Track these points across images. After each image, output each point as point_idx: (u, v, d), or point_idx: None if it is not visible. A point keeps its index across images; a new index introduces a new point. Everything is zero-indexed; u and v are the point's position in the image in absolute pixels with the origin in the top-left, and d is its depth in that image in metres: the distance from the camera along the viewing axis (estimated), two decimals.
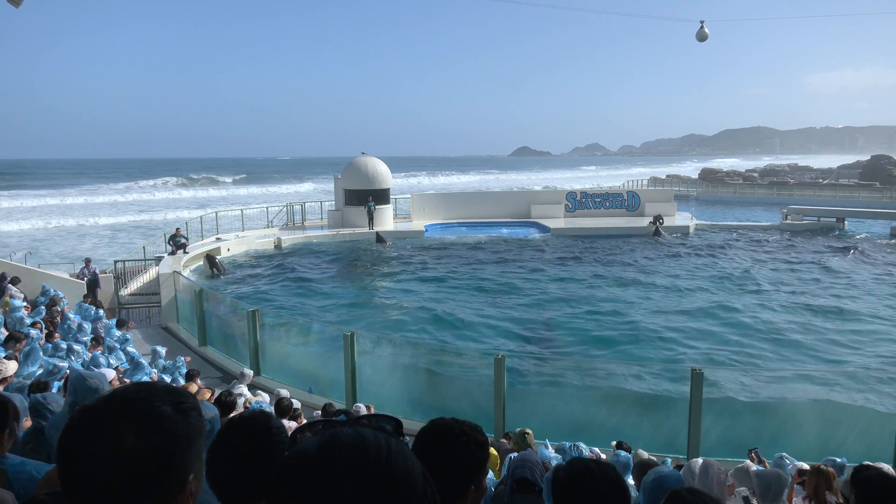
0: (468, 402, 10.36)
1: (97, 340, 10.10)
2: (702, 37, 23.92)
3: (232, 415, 5.74)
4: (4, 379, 5.65)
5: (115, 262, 19.17)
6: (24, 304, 12.10)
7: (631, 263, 24.02)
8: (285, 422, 6.28)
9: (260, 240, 27.35)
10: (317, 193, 65.76)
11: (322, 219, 32.95)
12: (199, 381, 8.96)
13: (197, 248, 23.36)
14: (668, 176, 78.43)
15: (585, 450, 6.52)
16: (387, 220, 31.41)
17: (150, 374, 9.11)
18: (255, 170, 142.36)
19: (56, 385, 6.02)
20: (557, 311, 17.49)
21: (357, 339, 10.94)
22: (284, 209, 31.93)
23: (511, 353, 11.08)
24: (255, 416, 1.74)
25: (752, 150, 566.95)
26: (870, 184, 57.41)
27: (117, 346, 10.51)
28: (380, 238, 28.57)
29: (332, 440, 0.81)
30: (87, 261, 18.39)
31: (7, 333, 8.43)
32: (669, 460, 7.24)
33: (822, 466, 5.05)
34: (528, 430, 7.00)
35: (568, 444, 6.65)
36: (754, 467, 5.10)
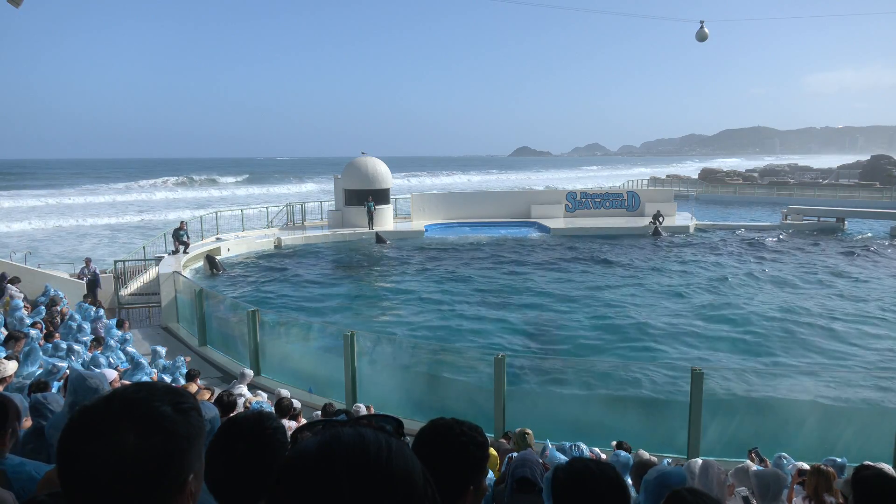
0: (468, 402, 10.36)
1: (97, 340, 10.10)
2: (702, 37, 23.92)
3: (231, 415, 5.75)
4: (4, 379, 5.65)
5: (115, 262, 19.17)
6: (25, 304, 12.09)
7: (631, 264, 24.01)
8: (285, 422, 6.28)
9: (260, 240, 27.35)
10: (317, 193, 65.77)
11: (322, 219, 32.95)
12: (199, 382, 8.96)
13: (197, 248, 23.36)
14: (668, 176, 78.42)
15: (586, 450, 6.52)
16: (387, 220, 31.41)
17: (150, 374, 9.10)
18: (255, 170, 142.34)
19: (56, 385, 6.02)
20: (557, 311, 17.49)
21: (357, 339, 10.94)
22: (284, 209, 31.93)
23: (511, 353, 11.06)
24: (249, 417, 1.73)
25: (752, 150, 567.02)
26: (870, 184, 57.41)
27: (116, 346, 10.51)
28: (379, 238, 28.57)
29: (333, 440, 0.81)
30: (88, 261, 18.39)
31: (7, 333, 8.42)
32: (669, 460, 7.24)
33: (822, 466, 5.05)
34: (528, 430, 7.00)
35: (568, 443, 6.65)
36: (754, 467, 5.10)
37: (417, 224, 32.16)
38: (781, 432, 9.27)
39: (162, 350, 10.71)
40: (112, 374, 6.73)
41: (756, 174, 77.07)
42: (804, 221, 34.59)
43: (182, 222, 22.80)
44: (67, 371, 6.32)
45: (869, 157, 72.18)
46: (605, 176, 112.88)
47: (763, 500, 4.30)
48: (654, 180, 69.26)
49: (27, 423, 3.69)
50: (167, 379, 9.39)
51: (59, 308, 12.53)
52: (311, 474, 0.78)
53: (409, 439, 1.28)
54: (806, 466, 5.72)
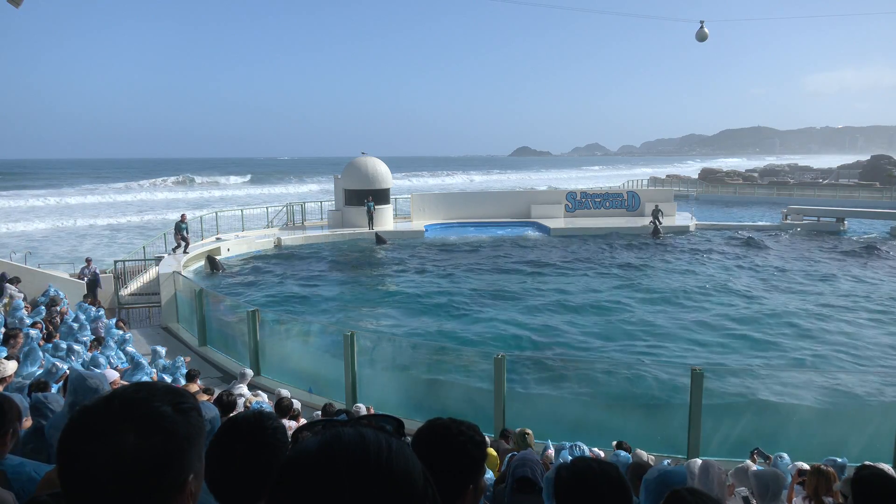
0: (468, 402, 10.36)
1: (97, 340, 10.10)
2: (702, 37, 23.94)
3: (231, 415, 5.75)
4: (4, 379, 5.65)
5: (115, 262, 19.17)
6: (25, 304, 12.09)
7: (631, 264, 24.01)
8: (285, 422, 6.28)
9: (260, 240, 27.36)
10: (316, 193, 65.78)
11: (322, 219, 32.95)
12: (199, 382, 8.96)
13: (197, 248, 23.37)
14: (668, 176, 78.43)
15: (586, 449, 6.52)
16: (387, 220, 31.41)
17: (150, 375, 9.10)
18: (255, 170, 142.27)
19: (56, 385, 6.02)
20: (557, 311, 17.48)
21: (357, 339, 10.94)
22: (284, 209, 31.94)
23: (511, 353, 11.06)
24: (249, 417, 1.74)
25: (752, 150, 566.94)
26: (870, 184, 57.43)
27: (115, 346, 10.52)
28: (379, 238, 28.57)
29: (333, 440, 0.81)
30: (89, 260, 18.39)
31: (4, 332, 8.42)
32: (669, 461, 7.24)
33: (822, 466, 5.06)
34: (528, 431, 7.00)
35: (568, 443, 6.66)
36: (754, 467, 5.10)
37: (417, 224, 32.16)
38: (781, 432, 9.27)
39: (162, 350, 10.71)
40: (113, 375, 6.74)
41: (756, 174, 77.07)
42: (804, 221, 34.59)
43: (183, 215, 22.85)
44: (67, 371, 6.33)
45: (869, 157, 72.20)
46: (607, 176, 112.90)
47: (762, 500, 4.30)
48: (654, 180, 69.27)
49: (27, 422, 3.69)
50: (167, 379, 9.39)
51: (58, 308, 12.53)
52: (312, 474, 0.78)
53: (408, 439, 1.28)
54: (806, 466, 5.72)
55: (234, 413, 5.84)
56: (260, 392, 9.95)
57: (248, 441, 1.64)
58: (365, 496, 0.76)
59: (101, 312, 12.85)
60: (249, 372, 10.31)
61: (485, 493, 1.72)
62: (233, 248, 25.51)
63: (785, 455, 6.43)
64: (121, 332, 11.47)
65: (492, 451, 6.49)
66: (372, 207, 29.68)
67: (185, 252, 21.82)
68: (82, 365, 8.00)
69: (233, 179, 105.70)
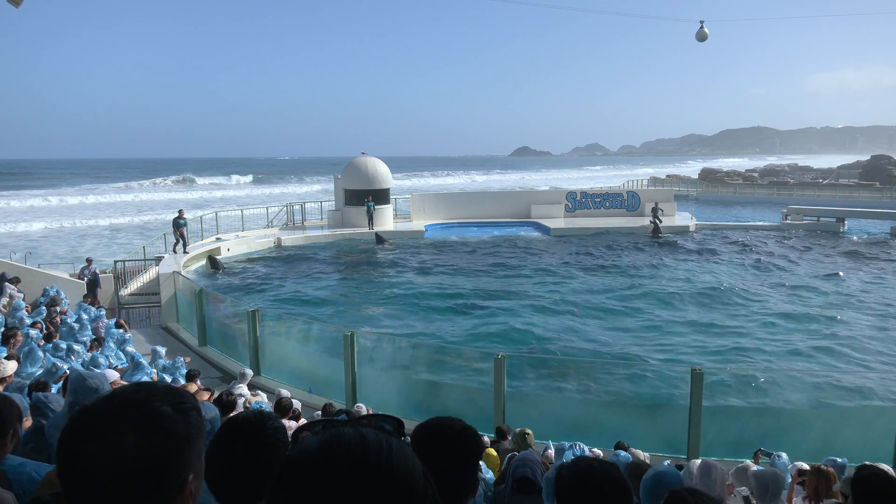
0: (468, 402, 10.36)
1: (97, 340, 10.10)
2: (702, 37, 23.94)
3: (231, 415, 5.75)
4: (4, 379, 5.65)
5: (115, 262, 19.17)
6: (25, 304, 12.10)
7: (631, 264, 24.01)
8: (285, 422, 6.28)
9: (260, 240, 27.36)
10: (317, 193, 65.76)
11: (322, 219, 32.96)
12: (199, 382, 8.96)
13: (197, 248, 23.37)
14: (668, 176, 78.44)
15: (585, 450, 6.52)
16: (387, 220, 31.41)
17: (150, 375, 9.10)
18: (256, 170, 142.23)
19: (55, 385, 6.02)
20: (557, 311, 17.48)
21: (357, 339, 10.94)
22: (284, 209, 31.94)
23: (511, 353, 11.06)
24: (250, 417, 1.74)
25: (752, 150, 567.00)
26: (870, 184, 57.43)
27: (115, 346, 10.52)
28: (379, 238, 28.56)
29: (333, 440, 0.81)
30: (89, 261, 18.39)
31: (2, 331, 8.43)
32: (668, 461, 7.24)
33: (822, 466, 5.06)
34: (528, 431, 7.00)
35: (568, 443, 6.65)
36: (754, 467, 5.10)
37: (417, 224, 32.16)
38: (781, 432, 9.27)
39: (162, 350, 10.71)
40: (113, 375, 6.74)
41: (756, 174, 77.08)
42: (804, 221, 34.59)
43: (180, 210, 22.85)
44: (67, 371, 6.32)
45: (869, 157, 72.19)
46: (608, 176, 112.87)
47: (762, 500, 4.30)
48: (654, 180, 69.28)
49: (27, 422, 3.69)
50: (167, 379, 9.39)
51: (58, 308, 12.53)
52: (312, 474, 0.78)
53: (407, 439, 1.28)
54: (806, 466, 5.72)
55: (235, 413, 5.85)
56: (259, 392, 9.95)
57: (249, 441, 1.64)
58: (365, 496, 0.76)
59: (102, 312, 12.85)
60: (249, 372, 10.31)
61: (477, 491, 1.73)
62: (233, 248, 25.52)
63: (784, 454, 6.42)
64: (121, 332, 11.47)
65: (492, 451, 6.49)
66: (372, 207, 29.69)
67: (184, 252, 21.83)
68: (82, 365, 8.00)
69: (235, 179, 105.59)
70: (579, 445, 6.52)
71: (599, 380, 11.23)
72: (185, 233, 22.29)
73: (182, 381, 9.14)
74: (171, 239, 22.32)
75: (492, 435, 7.85)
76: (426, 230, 31.05)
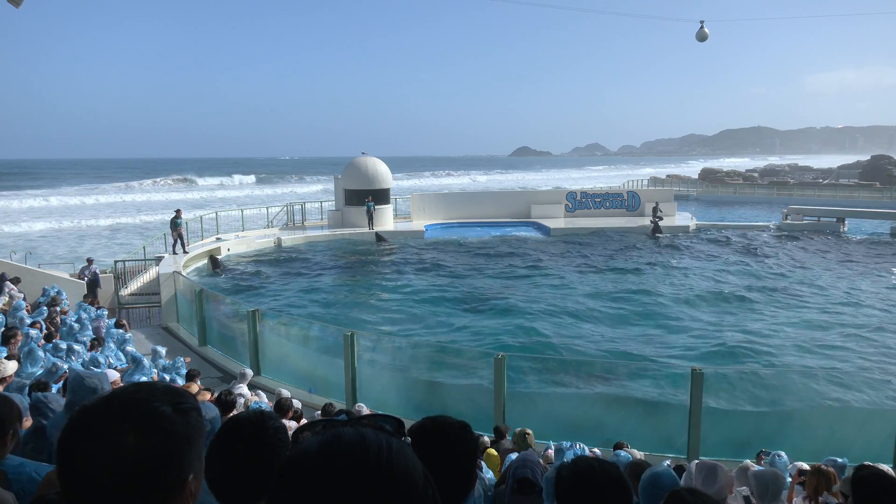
0: (468, 402, 10.36)
1: (97, 340, 10.10)
2: (702, 37, 23.95)
3: (231, 415, 5.75)
4: (4, 379, 5.65)
5: (116, 262, 19.17)
6: (25, 304, 12.10)
7: (630, 264, 24.01)
8: (286, 422, 6.28)
9: (260, 240, 27.37)
10: (318, 193, 65.75)
11: (322, 219, 32.96)
12: (199, 382, 8.96)
13: (197, 247, 23.37)
14: (668, 176, 78.45)
15: (586, 450, 6.52)
16: (387, 220, 31.41)
17: (150, 375, 9.10)
18: (256, 170, 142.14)
19: (55, 385, 6.02)
20: (557, 311, 17.48)
21: (357, 339, 10.94)
22: (284, 209, 31.94)
23: (511, 353, 11.06)
24: (251, 417, 1.74)
25: (752, 150, 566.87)
26: (870, 184, 57.43)
27: (115, 346, 10.51)
28: (379, 237, 28.56)
29: (334, 440, 0.81)
30: (90, 260, 18.40)
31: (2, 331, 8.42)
32: (668, 461, 7.24)
33: (822, 466, 5.06)
34: (529, 431, 7.00)
35: (567, 443, 6.65)
36: (754, 467, 5.10)
37: (417, 224, 32.16)
38: (781, 432, 9.27)
39: (162, 350, 10.70)
40: (114, 375, 6.73)
41: (756, 174, 77.09)
42: (804, 221, 34.59)
43: (178, 210, 22.82)
44: (67, 371, 6.32)
45: (869, 157, 72.18)
46: (609, 176, 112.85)
47: (762, 500, 4.30)
48: (655, 180, 69.29)
49: (27, 422, 3.69)
50: (167, 379, 9.39)
51: (59, 308, 12.52)
52: (312, 474, 0.78)
53: (408, 440, 1.28)
54: (806, 466, 5.73)
55: (235, 413, 5.85)
56: (259, 392, 9.95)
57: (250, 441, 1.64)
58: (364, 496, 0.76)
59: (104, 312, 12.86)
60: (249, 372, 10.31)
61: (474, 488, 1.74)
62: (233, 248, 25.52)
63: (783, 454, 6.42)
64: (121, 332, 11.46)
65: (492, 451, 6.49)
66: (372, 207, 29.67)
67: (184, 251, 21.82)
68: (82, 365, 8.00)
69: (238, 180, 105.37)
70: (580, 445, 6.52)
71: (599, 380, 11.23)
72: (184, 233, 22.28)
73: (181, 382, 9.13)
74: (171, 239, 22.33)
75: (491, 435, 7.85)
76: (426, 230, 31.05)
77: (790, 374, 12.12)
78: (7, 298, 12.57)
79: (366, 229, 29.44)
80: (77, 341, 9.43)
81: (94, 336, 10.49)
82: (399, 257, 25.63)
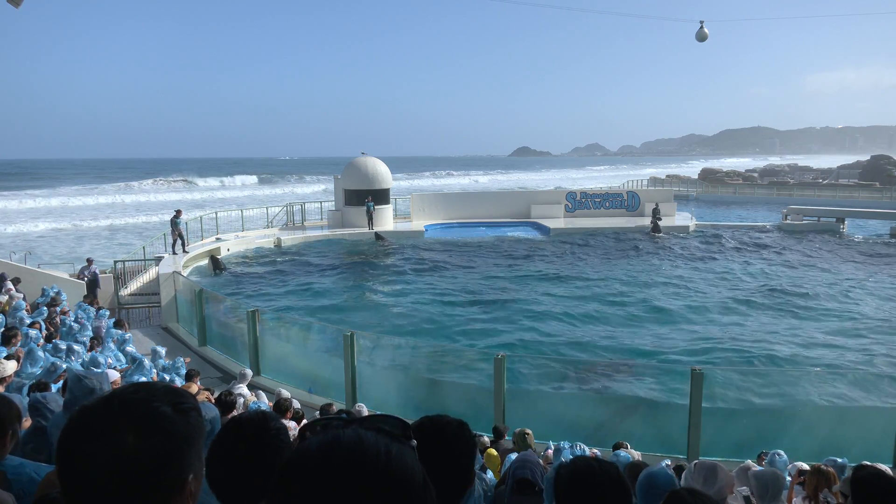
0: (468, 402, 10.36)
1: (96, 339, 10.10)
2: (701, 37, 23.96)
3: (231, 415, 5.75)
4: (4, 379, 5.65)
5: (115, 262, 19.16)
6: (25, 304, 12.10)
7: (630, 264, 24.01)
8: (285, 422, 6.28)
9: (260, 240, 27.36)
10: (319, 194, 65.72)
11: (322, 219, 32.96)
12: (198, 382, 8.96)
13: (197, 247, 23.37)
14: (668, 176, 78.46)
15: (586, 450, 6.52)
16: (387, 220, 31.41)
17: (150, 375, 9.10)
18: (256, 170, 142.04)
19: (55, 386, 6.02)
20: (557, 311, 17.48)
21: (357, 340, 10.94)
22: (284, 209, 31.94)
23: (511, 353, 11.07)
24: (252, 417, 1.74)
25: (752, 150, 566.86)
26: (870, 184, 57.44)
27: (115, 346, 10.51)
28: (379, 237, 28.56)
29: (332, 441, 0.82)
30: (90, 261, 18.40)
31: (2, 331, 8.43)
32: (667, 461, 7.24)
33: (822, 467, 5.06)
34: (528, 431, 7.00)
35: (567, 443, 6.65)
36: (755, 468, 5.10)
37: (417, 224, 32.16)
38: (781, 432, 9.27)
39: (162, 350, 10.70)
40: (114, 375, 6.74)
41: (756, 174, 77.10)
42: (804, 221, 34.59)
43: (178, 210, 22.82)
44: (66, 371, 6.32)
45: (869, 157, 72.18)
46: (609, 176, 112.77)
47: (762, 500, 4.30)
48: (655, 180, 69.29)
49: (27, 422, 3.69)
50: (167, 379, 9.39)
51: (59, 308, 12.52)
52: (310, 476, 0.78)
53: (414, 443, 1.28)
54: (806, 466, 5.73)
55: (235, 413, 5.85)
56: (259, 392, 9.95)
57: (252, 441, 1.64)
58: (361, 499, 0.76)
59: (106, 313, 12.86)
60: (249, 372, 10.31)
61: (479, 493, 1.75)
62: (232, 248, 25.52)
63: (782, 452, 6.43)
64: (121, 332, 11.46)
65: (492, 451, 6.49)
66: (372, 207, 29.66)
67: (184, 251, 21.82)
68: (82, 365, 7.99)
69: (240, 180, 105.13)
70: (579, 445, 6.52)
71: (599, 380, 11.23)
72: (184, 233, 22.27)
73: (181, 382, 9.13)
74: (171, 239, 22.33)
75: (491, 435, 7.85)
76: (426, 230, 31.05)
77: (790, 373, 12.13)
78: (7, 297, 12.56)
79: (366, 229, 29.43)
80: (77, 341, 9.43)
81: (93, 336, 10.49)
82: (399, 257, 25.63)
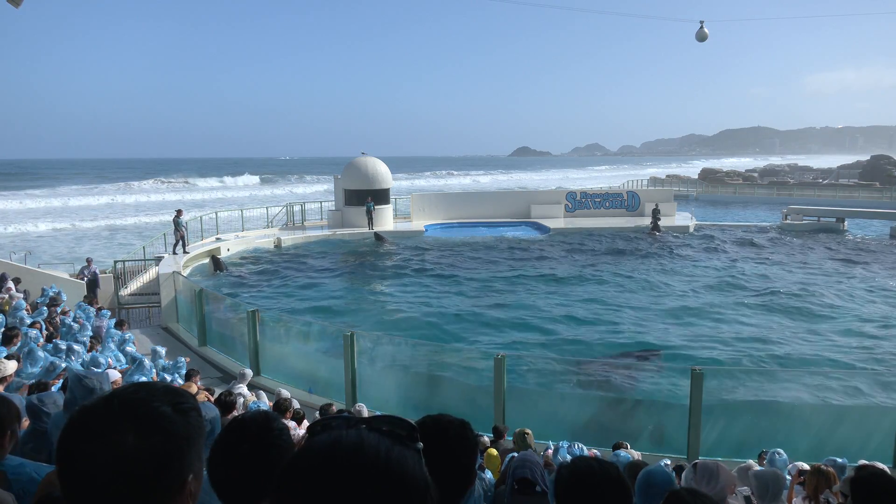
0: (468, 402, 10.36)
1: (97, 340, 10.10)
2: (701, 37, 23.97)
3: (233, 415, 5.75)
4: (4, 378, 5.65)
5: (115, 262, 19.16)
6: (26, 304, 12.10)
7: (630, 263, 24.01)
8: (285, 422, 6.28)
9: (260, 240, 27.36)
10: (320, 194, 65.74)
11: (322, 219, 32.96)
12: (198, 382, 8.96)
13: (197, 247, 23.37)
14: (668, 176, 78.48)
15: (585, 449, 6.52)
16: (387, 220, 31.41)
17: (150, 375, 9.10)
18: (256, 170, 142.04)
19: (55, 386, 6.01)
20: (557, 311, 17.48)
21: (357, 339, 10.94)
22: (284, 209, 31.94)
23: (511, 353, 11.07)
24: (255, 417, 1.74)
25: (752, 150, 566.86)
26: (870, 184, 57.45)
27: (115, 346, 10.51)
28: (378, 237, 28.55)
29: (334, 442, 0.82)
30: (89, 260, 18.40)
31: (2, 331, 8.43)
32: (667, 461, 7.24)
33: (822, 467, 5.06)
34: (528, 430, 7.00)
35: (566, 443, 6.66)
36: (755, 467, 5.10)
37: (417, 224, 32.16)
38: (781, 432, 9.27)
39: (162, 350, 10.70)
40: (115, 375, 6.74)
41: (756, 174, 77.11)
42: (804, 221, 34.60)
43: (178, 210, 22.82)
44: (65, 369, 6.32)
45: (869, 157, 72.20)
46: (610, 176, 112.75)
47: (762, 500, 4.30)
48: (654, 180, 69.30)
49: (26, 422, 3.69)
50: (167, 379, 9.39)
51: (59, 308, 12.53)
52: (310, 476, 0.79)
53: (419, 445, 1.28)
54: (806, 466, 5.73)
55: (236, 413, 5.85)
56: (261, 392, 9.95)
57: (255, 441, 1.65)
58: (359, 500, 0.76)
59: (107, 313, 12.86)
60: (249, 372, 10.31)
61: (479, 493, 1.75)
62: (232, 248, 25.52)
63: (782, 451, 6.43)
64: (120, 333, 11.46)
65: (492, 451, 6.49)
66: (372, 208, 29.65)
67: (184, 252, 21.82)
68: (82, 365, 8.00)
69: (243, 181, 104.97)
70: (577, 445, 6.52)
71: (599, 380, 11.23)
72: (184, 232, 22.27)
73: (181, 382, 9.13)
74: (171, 239, 22.33)
75: (491, 435, 7.85)
76: (426, 230, 31.05)
77: (790, 373, 12.13)
78: (6, 297, 12.57)
79: (366, 229, 29.44)
80: (77, 341, 9.43)
81: (93, 336, 10.49)
82: (399, 257, 25.63)
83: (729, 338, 15.10)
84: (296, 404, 8.33)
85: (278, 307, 17.59)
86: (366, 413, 7.97)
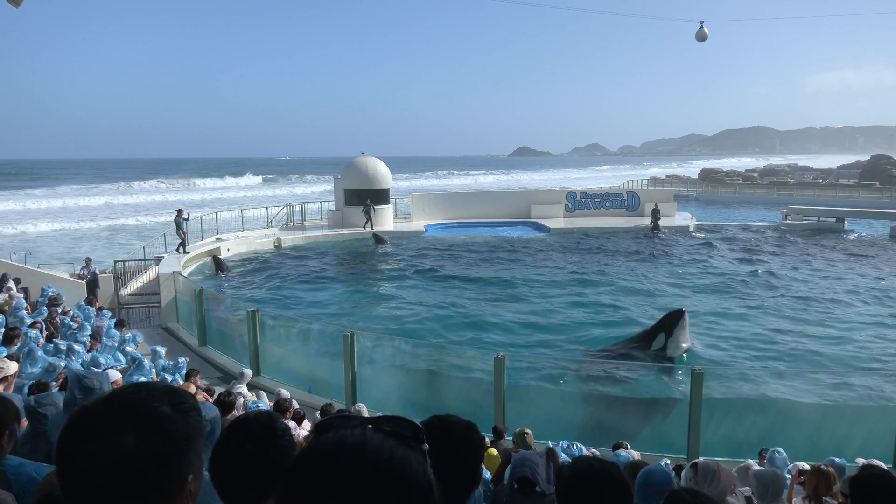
0: (468, 402, 10.36)
1: (95, 339, 10.10)
2: (701, 37, 23.98)
3: (234, 415, 5.75)
4: (5, 378, 5.64)
5: (115, 262, 19.16)
6: (26, 304, 12.10)
7: (630, 263, 24.01)
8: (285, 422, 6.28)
9: (260, 240, 27.35)
10: (321, 194, 65.72)
11: (322, 219, 32.95)
12: (198, 381, 8.96)
13: (197, 248, 23.37)
14: (668, 176, 78.49)
15: (584, 449, 6.52)
16: (387, 220, 31.40)
17: (150, 375, 9.10)
18: (257, 170, 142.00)
19: (55, 385, 6.01)
20: (557, 311, 17.48)
21: (357, 339, 10.94)
22: (284, 209, 31.93)
23: (511, 353, 11.06)
24: (258, 417, 1.75)
25: (752, 150, 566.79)
26: (870, 184, 57.44)
27: (114, 346, 10.51)
28: (378, 238, 28.54)
29: (338, 442, 0.82)
30: (88, 260, 18.39)
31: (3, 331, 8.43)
32: (667, 461, 7.24)
33: (822, 467, 5.06)
34: (528, 430, 7.00)
35: (566, 443, 6.66)
36: (755, 467, 5.10)
37: (417, 224, 32.16)
38: (781, 432, 9.27)
39: (162, 350, 10.70)
40: (115, 375, 6.73)
41: (756, 174, 77.10)
42: (804, 221, 34.61)
43: (179, 210, 22.82)
44: (65, 369, 6.32)
45: (869, 157, 72.20)
46: (611, 176, 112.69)
47: (762, 500, 4.30)
48: (655, 180, 69.31)
49: (26, 423, 3.68)
50: (167, 379, 9.39)
51: (59, 308, 12.53)
52: (313, 476, 0.79)
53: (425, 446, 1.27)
54: (806, 466, 5.73)
55: (237, 413, 5.85)
56: (261, 392, 9.96)
57: (258, 441, 1.65)
58: (362, 500, 0.76)
59: (107, 313, 12.86)
60: (249, 372, 10.31)
61: (479, 492, 1.74)
62: (232, 248, 25.51)
63: (781, 450, 6.43)
64: (121, 333, 11.46)
65: (492, 451, 6.49)
66: (371, 209, 29.60)
67: (184, 252, 21.82)
68: (82, 365, 8.00)
69: (245, 181, 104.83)
70: (576, 445, 6.52)
71: (599, 379, 11.23)
72: (186, 231, 22.26)
73: (181, 382, 9.13)
74: (171, 239, 22.31)
75: (491, 435, 7.85)
76: (426, 230, 31.04)
77: (790, 373, 12.13)
78: (6, 296, 12.57)
79: (366, 230, 29.43)
80: (77, 341, 9.43)
81: (93, 336, 10.49)
82: (399, 258, 25.62)
83: (729, 337, 15.10)
84: (296, 404, 8.33)
85: (278, 307, 17.59)
86: (365, 413, 7.97)
